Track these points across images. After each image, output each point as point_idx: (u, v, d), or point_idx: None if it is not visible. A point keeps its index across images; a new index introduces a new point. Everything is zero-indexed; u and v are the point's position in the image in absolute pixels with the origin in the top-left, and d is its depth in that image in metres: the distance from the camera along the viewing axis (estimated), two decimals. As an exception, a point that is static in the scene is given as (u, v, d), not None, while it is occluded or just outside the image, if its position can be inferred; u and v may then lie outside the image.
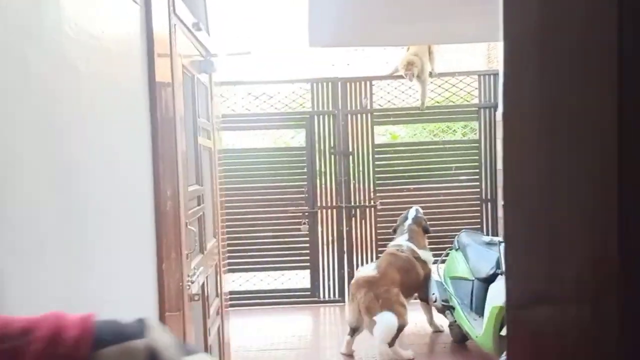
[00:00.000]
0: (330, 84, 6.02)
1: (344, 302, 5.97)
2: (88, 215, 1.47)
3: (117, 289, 1.67)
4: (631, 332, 0.48)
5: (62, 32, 1.34)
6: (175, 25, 2.40)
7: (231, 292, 5.20)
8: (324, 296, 6.03)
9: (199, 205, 2.90)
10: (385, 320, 4.20)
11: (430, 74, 5.86)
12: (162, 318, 2.05)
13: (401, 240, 4.89)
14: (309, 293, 6.06)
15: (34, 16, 1.22)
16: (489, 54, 14.19)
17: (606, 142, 0.48)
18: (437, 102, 6.25)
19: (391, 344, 4.36)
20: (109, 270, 1.60)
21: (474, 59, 13.80)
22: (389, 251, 4.81)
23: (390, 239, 5.14)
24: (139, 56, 1.98)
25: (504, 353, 3.51)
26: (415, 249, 4.80)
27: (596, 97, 0.50)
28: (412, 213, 5.07)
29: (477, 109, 6.07)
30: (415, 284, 4.69)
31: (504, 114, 0.66)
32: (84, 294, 1.42)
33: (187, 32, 2.73)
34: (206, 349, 2.88)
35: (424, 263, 4.79)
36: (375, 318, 4.25)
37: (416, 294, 4.82)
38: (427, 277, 4.80)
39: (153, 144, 2.07)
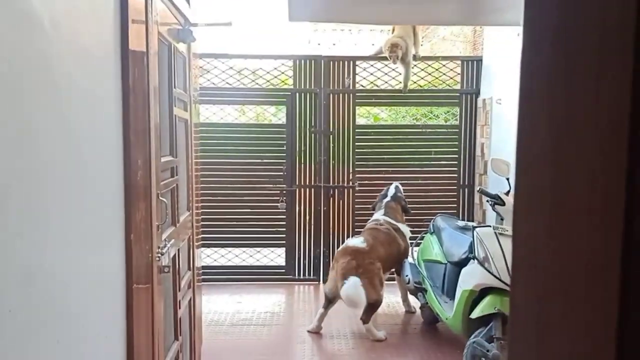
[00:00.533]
0: (313, 61, 5.95)
1: (318, 281, 6.00)
2: (49, 181, 1.42)
3: (82, 258, 1.63)
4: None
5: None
6: (152, -10, 2.33)
7: (205, 267, 5.18)
8: (298, 274, 6.04)
9: (172, 177, 2.86)
10: (353, 282, 4.26)
11: (414, 57, 5.83)
12: (129, 288, 2.02)
13: (378, 215, 4.96)
14: (284, 271, 6.07)
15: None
16: (474, 41, 14.19)
17: (615, 145, 0.48)
18: (420, 86, 6.23)
19: (366, 321, 4.41)
20: (72, 239, 1.56)
21: (461, 45, 13.77)
22: (369, 227, 4.86)
23: (368, 220, 5.16)
24: (111, 20, 1.91)
25: (473, 335, 3.56)
26: (393, 221, 4.86)
27: (611, 99, 0.49)
28: (391, 190, 5.12)
29: (459, 94, 6.07)
30: (396, 257, 4.76)
31: (520, 114, 0.63)
32: (46, 261, 1.38)
33: (166, 0, 2.65)
34: (176, 321, 2.86)
35: (403, 236, 4.85)
36: (345, 281, 4.29)
37: (393, 270, 4.87)
38: (406, 250, 4.86)
39: (124, 112, 2.02)
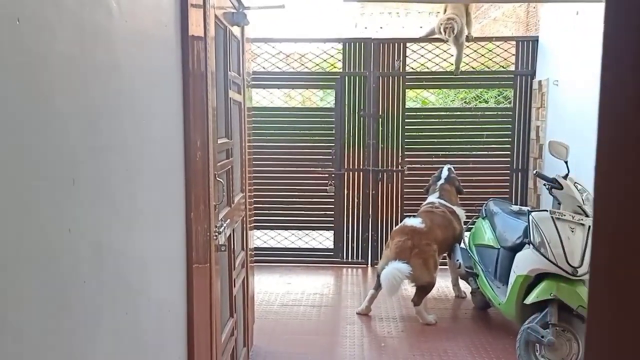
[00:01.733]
0: (363, 44, 5.91)
1: (366, 264, 6.02)
2: (117, 159, 1.47)
3: (147, 235, 1.69)
4: None
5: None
6: (209, -27, 2.35)
7: (256, 249, 5.28)
8: (346, 257, 6.07)
9: (227, 158, 2.91)
10: (397, 266, 4.20)
11: (467, 38, 5.69)
12: (189, 265, 2.09)
13: (433, 198, 4.89)
14: (332, 254, 6.11)
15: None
16: (527, 22, 13.71)
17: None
18: (473, 68, 6.09)
19: (417, 303, 4.39)
20: (137, 216, 1.62)
21: (513, 27, 13.34)
22: (424, 209, 4.80)
23: (417, 205, 5.12)
24: (172, 5, 1.95)
25: (527, 321, 3.50)
26: (448, 204, 4.80)
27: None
28: (444, 172, 5.04)
29: (513, 76, 5.90)
30: (452, 240, 4.70)
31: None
32: (114, 237, 1.44)
33: (221, -18, 2.68)
34: (231, 299, 2.94)
35: (458, 219, 4.78)
36: (392, 261, 4.25)
37: (446, 253, 4.81)
38: (461, 234, 4.79)
39: (184, 94, 2.07)
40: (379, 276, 4.44)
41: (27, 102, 1.04)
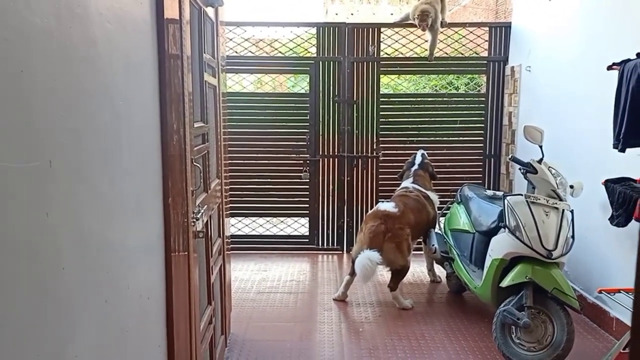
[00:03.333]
0: (337, 29, 5.85)
1: (342, 251, 6.02)
2: (94, 141, 1.41)
3: (125, 220, 1.63)
4: None
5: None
6: (184, -50, 2.27)
7: (231, 236, 5.21)
8: (322, 244, 6.06)
9: (203, 143, 2.84)
10: (369, 255, 4.20)
11: (441, 24, 5.69)
12: (168, 251, 2.03)
13: (407, 183, 4.92)
14: (307, 240, 6.09)
15: None
16: (496, 9, 13.85)
17: None
18: (446, 54, 6.10)
19: (393, 288, 4.42)
20: (116, 200, 1.56)
21: (483, 14, 13.43)
22: (398, 193, 4.81)
23: (392, 190, 5.13)
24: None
25: (503, 303, 3.54)
26: (422, 189, 4.82)
27: None
28: (418, 158, 5.06)
29: (486, 62, 5.94)
30: (425, 225, 4.73)
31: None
32: (90, 219, 1.38)
33: (196, -39, 2.59)
34: (209, 286, 2.88)
35: (432, 203, 4.81)
36: (361, 253, 4.25)
37: (421, 238, 4.85)
38: (435, 218, 4.82)
39: (160, 75, 1.99)
40: (353, 262, 4.43)
41: (0, 76, 0.97)
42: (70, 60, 1.26)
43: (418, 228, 4.62)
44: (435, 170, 5.15)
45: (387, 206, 4.54)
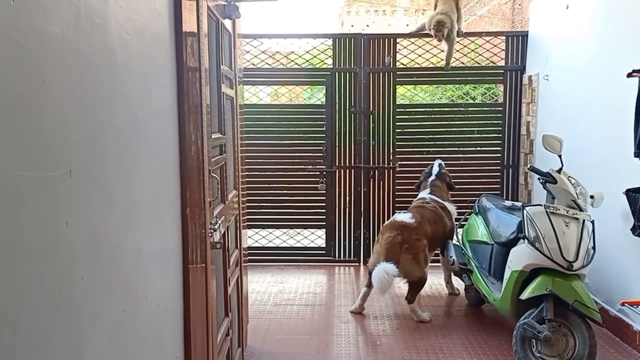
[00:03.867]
0: (353, 40, 5.87)
1: (359, 262, 5.98)
2: (113, 149, 1.41)
3: (143, 230, 1.63)
4: None
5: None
6: (202, -37, 2.29)
7: (248, 248, 5.21)
8: (339, 256, 6.03)
9: (221, 154, 2.85)
10: (385, 267, 4.16)
11: (458, 33, 5.67)
12: (186, 262, 2.02)
13: (424, 194, 4.88)
14: (324, 252, 6.06)
15: None
16: (512, 19, 13.79)
17: None
18: (462, 63, 6.07)
19: (411, 300, 4.37)
20: (134, 209, 1.56)
21: (499, 24, 13.37)
22: (415, 204, 4.77)
23: (409, 201, 5.09)
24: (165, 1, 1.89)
25: (523, 316, 3.48)
26: (440, 200, 4.78)
27: None
28: (435, 168, 5.03)
29: (503, 71, 5.90)
30: (442, 236, 4.68)
31: None
32: (111, 230, 1.38)
33: (214, -26, 2.62)
34: (226, 298, 2.87)
35: (449, 214, 4.77)
36: (378, 265, 4.21)
37: (438, 250, 4.80)
38: (452, 230, 4.77)
39: (179, 84, 2.01)
40: (370, 274, 4.40)
41: (22, 85, 0.98)
42: (90, 70, 1.27)
43: (435, 239, 4.57)
44: (452, 180, 5.11)
45: (403, 217, 4.51)
